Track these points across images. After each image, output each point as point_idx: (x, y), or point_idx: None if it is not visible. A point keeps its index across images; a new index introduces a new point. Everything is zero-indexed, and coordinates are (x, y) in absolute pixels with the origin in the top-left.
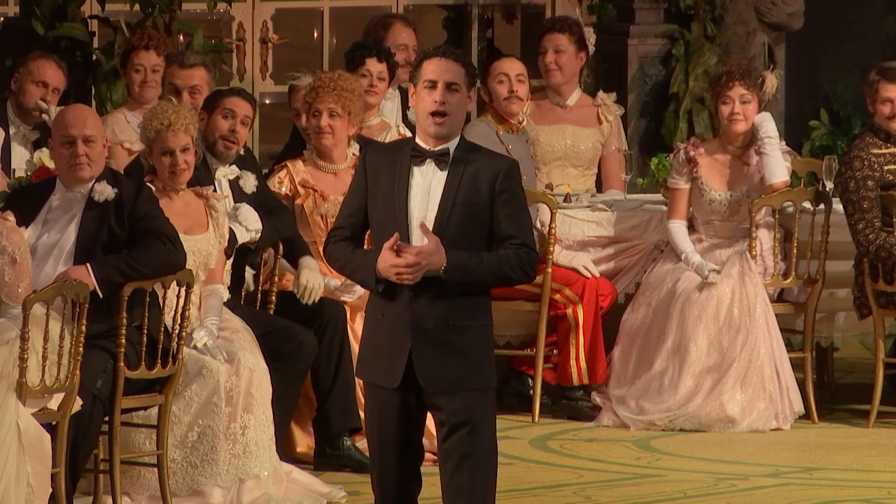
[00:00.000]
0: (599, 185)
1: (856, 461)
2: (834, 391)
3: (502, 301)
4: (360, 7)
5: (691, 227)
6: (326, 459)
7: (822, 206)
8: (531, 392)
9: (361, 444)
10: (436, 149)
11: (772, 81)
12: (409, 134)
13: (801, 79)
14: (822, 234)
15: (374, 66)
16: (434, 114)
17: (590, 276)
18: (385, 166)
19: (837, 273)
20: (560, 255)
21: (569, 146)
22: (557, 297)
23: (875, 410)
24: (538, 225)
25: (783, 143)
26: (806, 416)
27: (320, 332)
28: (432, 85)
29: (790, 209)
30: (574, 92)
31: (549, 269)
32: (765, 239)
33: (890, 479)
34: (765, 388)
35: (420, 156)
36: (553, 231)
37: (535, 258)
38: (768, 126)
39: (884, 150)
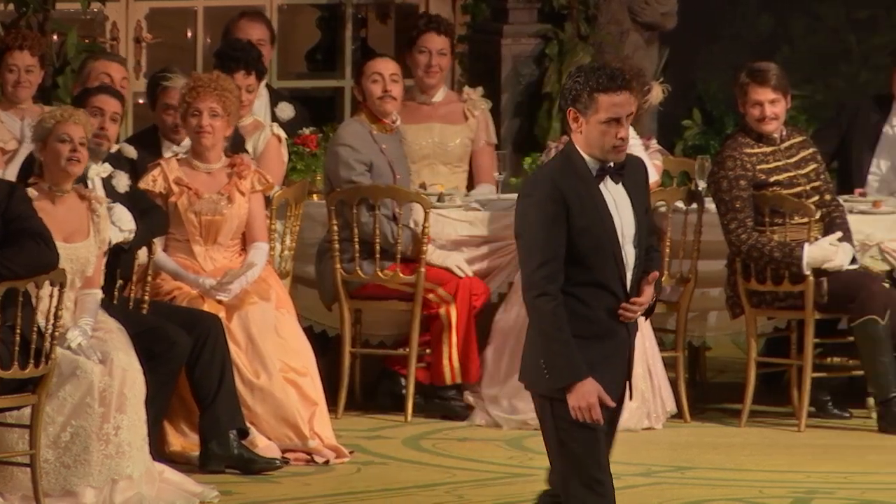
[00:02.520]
0: (471, 181)
1: (728, 460)
2: (706, 390)
3: (375, 301)
4: (233, 6)
5: None
6: (212, 459)
7: (694, 206)
8: (404, 391)
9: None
10: (614, 165)
11: (657, 92)
12: (282, 134)
13: (674, 78)
14: (694, 233)
15: (242, 81)
16: (617, 147)
17: (463, 275)
18: (577, 190)
19: (710, 272)
20: (433, 254)
21: (437, 143)
22: (431, 296)
23: (747, 409)
24: (411, 224)
25: (655, 142)
26: (678, 415)
27: (200, 342)
28: (616, 122)
29: (663, 208)
30: (440, 89)
31: (423, 269)
32: None
33: (762, 479)
34: (637, 388)
35: (603, 173)
36: (426, 231)
37: None
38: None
39: (756, 150)
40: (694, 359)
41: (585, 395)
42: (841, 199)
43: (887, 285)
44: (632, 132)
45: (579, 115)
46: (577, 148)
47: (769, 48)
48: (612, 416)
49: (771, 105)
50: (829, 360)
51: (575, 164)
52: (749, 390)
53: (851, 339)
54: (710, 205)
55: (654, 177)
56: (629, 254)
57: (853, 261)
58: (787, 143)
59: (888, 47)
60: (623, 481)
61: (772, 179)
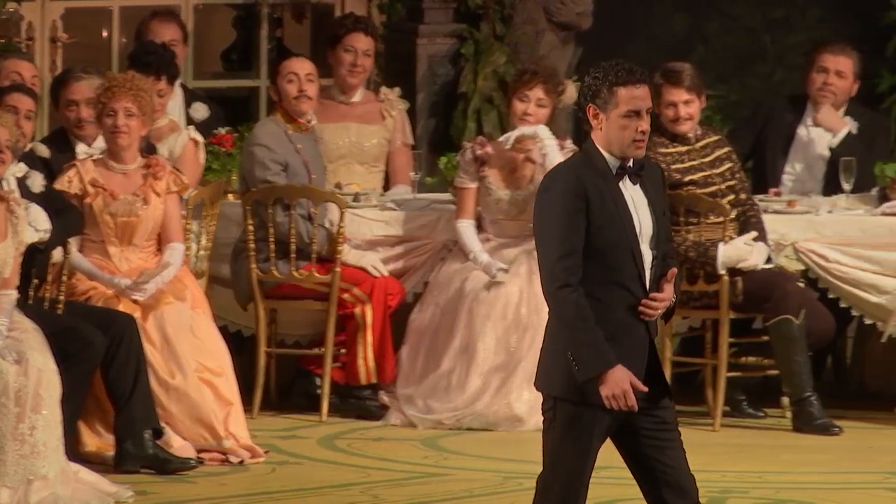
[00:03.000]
0: (388, 182)
1: None
2: None
3: (291, 300)
4: (149, 6)
5: (479, 227)
6: (127, 459)
7: None
8: (319, 391)
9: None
10: (634, 165)
11: (571, 92)
12: (199, 137)
13: None
14: None
15: (153, 86)
16: (638, 140)
17: (378, 275)
18: (597, 187)
19: None
20: (349, 254)
21: (353, 143)
22: (346, 296)
23: None
24: (327, 224)
25: (570, 142)
26: None
27: (116, 342)
28: (636, 115)
29: None
30: (358, 89)
31: (338, 269)
32: None
33: None
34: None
35: (623, 172)
36: (342, 230)
37: None
38: (542, 132)
39: (671, 150)
40: None
41: (619, 382)
42: (756, 198)
43: (802, 285)
44: (547, 132)
45: (599, 111)
46: (597, 146)
47: (684, 48)
48: (659, 424)
49: (685, 105)
50: (743, 359)
51: (595, 162)
52: None
53: (766, 338)
54: None
55: None
56: (646, 254)
57: (768, 260)
58: (701, 143)
59: (803, 47)
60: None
61: (686, 179)
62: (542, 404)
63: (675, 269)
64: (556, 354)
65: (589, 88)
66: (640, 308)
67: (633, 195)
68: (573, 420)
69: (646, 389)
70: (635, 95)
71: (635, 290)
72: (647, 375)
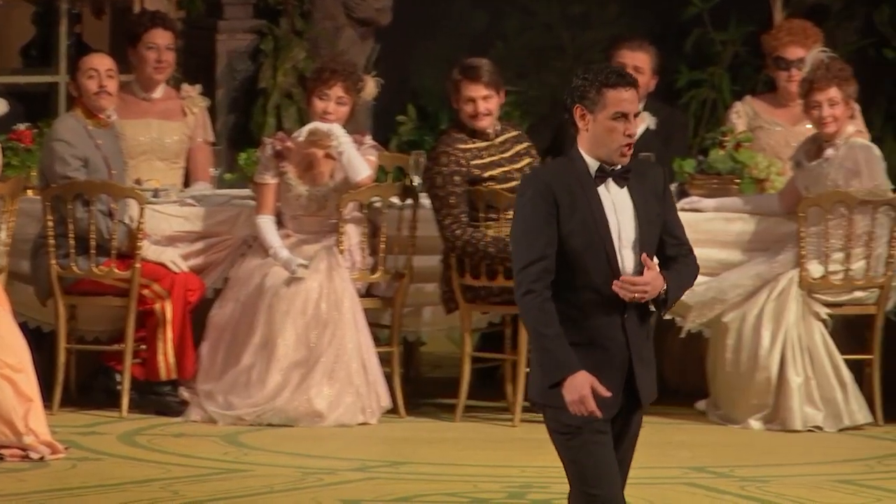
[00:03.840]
0: (188, 178)
1: (443, 455)
2: (421, 385)
3: (90, 296)
4: None
5: (280, 222)
6: None
7: (409, 201)
8: (119, 387)
9: None
10: (618, 167)
11: (371, 87)
12: None
13: (388, 74)
14: (409, 229)
15: None
16: (625, 145)
17: (178, 270)
18: (570, 190)
19: (425, 268)
20: (149, 250)
21: (154, 139)
22: (146, 292)
23: (462, 404)
24: (126, 220)
25: (369, 137)
26: (393, 410)
27: None
28: (623, 117)
29: (378, 204)
30: (160, 85)
31: (138, 265)
32: (353, 234)
33: (476, 473)
34: (352, 383)
35: (603, 176)
36: (142, 226)
37: (696, 261)
38: (336, 130)
39: (470, 146)
40: (409, 354)
41: (578, 388)
42: None
43: None
44: (342, 130)
45: (586, 113)
46: (581, 149)
47: (483, 44)
48: (621, 428)
49: (484, 101)
50: None
51: (575, 165)
52: (464, 385)
53: None
54: (425, 200)
55: (367, 172)
56: (627, 259)
57: None
58: (501, 139)
59: (601, 43)
60: (338, 476)
61: (486, 175)
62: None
63: (646, 256)
64: (534, 362)
65: (577, 89)
66: (613, 286)
67: (616, 199)
68: (561, 427)
69: (607, 394)
70: (623, 98)
71: (612, 295)
72: (628, 382)
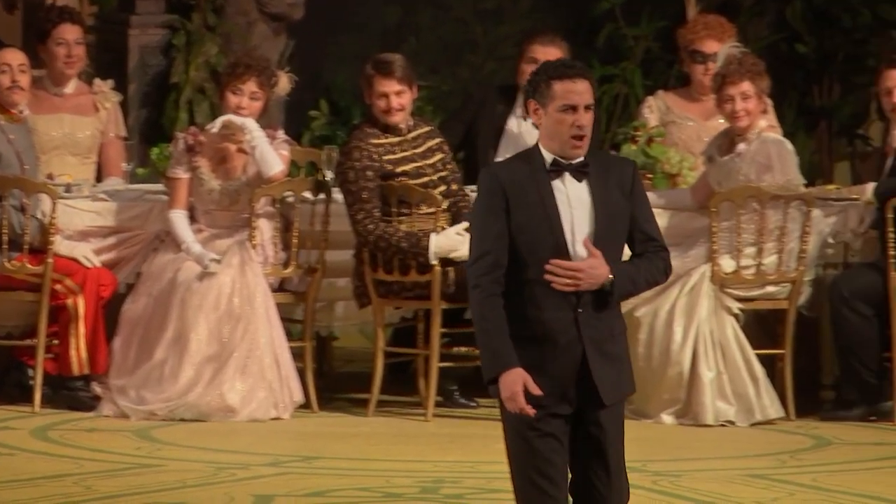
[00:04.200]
0: (101, 173)
1: (355, 450)
2: (334, 380)
3: (2, 292)
4: None
5: (192, 217)
6: None
7: (322, 196)
8: (32, 382)
9: None
10: (574, 162)
11: (284, 82)
12: None
13: (301, 69)
14: (322, 223)
15: None
16: (576, 137)
17: (91, 265)
18: (523, 184)
19: (337, 263)
20: (61, 245)
21: (67, 134)
22: (58, 287)
23: (375, 399)
24: (39, 215)
25: (282, 132)
26: (306, 405)
27: None
28: (572, 109)
29: (290, 199)
30: (72, 80)
31: (50, 260)
32: (265, 228)
33: (388, 468)
34: (265, 378)
35: (559, 170)
36: (54, 221)
37: (669, 259)
38: (250, 125)
39: (382, 141)
40: (321, 349)
41: (509, 385)
42: (467, 189)
43: None
44: (255, 125)
45: (539, 107)
46: (540, 144)
47: (396, 39)
48: (592, 427)
49: (396, 96)
50: (455, 349)
51: (533, 159)
52: (376, 380)
53: None
54: (338, 195)
55: (280, 167)
56: (581, 253)
57: None
58: (413, 134)
59: (513, 38)
60: (251, 471)
61: (398, 170)
62: None
63: (587, 241)
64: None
65: (530, 84)
66: (546, 277)
67: (572, 193)
68: (508, 419)
69: (538, 392)
70: (570, 90)
71: (564, 290)
72: (581, 379)
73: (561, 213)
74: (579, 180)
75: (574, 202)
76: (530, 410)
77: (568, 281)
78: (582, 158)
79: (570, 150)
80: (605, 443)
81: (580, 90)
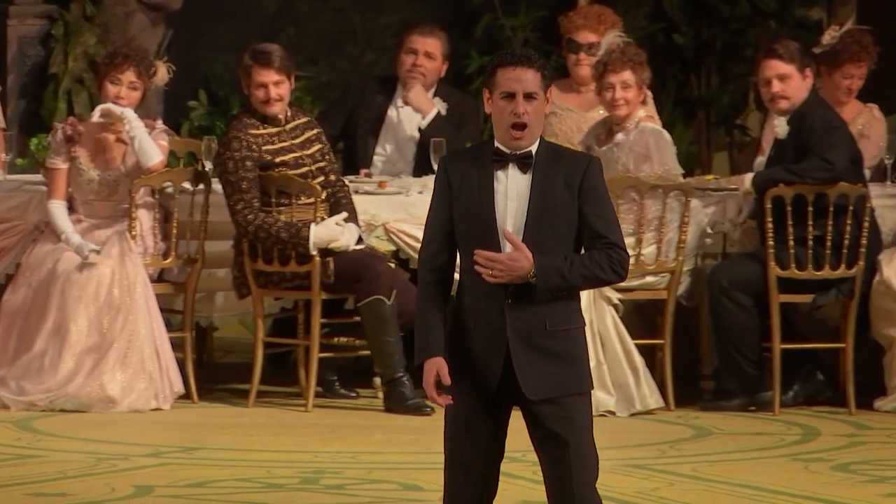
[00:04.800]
0: None
1: (236, 440)
2: (214, 371)
3: None
4: None
5: (71, 208)
6: None
7: (201, 187)
8: None
9: None
10: (518, 152)
11: (163, 72)
12: None
13: (180, 59)
14: (201, 214)
15: None
16: (514, 126)
17: None
18: (466, 172)
19: (217, 253)
20: None
21: None
22: None
23: (255, 390)
24: None
25: (161, 122)
26: (186, 395)
27: None
28: (510, 96)
29: (170, 189)
30: None
31: None
32: (145, 219)
33: (269, 458)
34: (145, 369)
35: (502, 159)
36: None
37: (626, 257)
38: (129, 114)
39: (261, 131)
40: (201, 339)
41: (425, 374)
42: (347, 179)
43: (393, 265)
44: (134, 115)
45: (490, 96)
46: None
47: (274, 29)
48: (536, 421)
49: (275, 87)
50: (336, 340)
51: (484, 149)
52: (256, 371)
53: (358, 319)
54: (217, 186)
55: (159, 157)
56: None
57: (359, 241)
58: (292, 124)
59: (392, 28)
60: (131, 462)
61: (277, 160)
62: None
63: (507, 229)
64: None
65: (485, 73)
66: (475, 268)
67: (512, 185)
68: (447, 408)
69: (448, 382)
70: (510, 76)
71: (489, 281)
72: (507, 371)
73: (497, 204)
74: (524, 172)
75: (511, 193)
76: (441, 401)
77: (490, 272)
78: (530, 149)
79: (510, 139)
80: (556, 441)
81: (521, 77)
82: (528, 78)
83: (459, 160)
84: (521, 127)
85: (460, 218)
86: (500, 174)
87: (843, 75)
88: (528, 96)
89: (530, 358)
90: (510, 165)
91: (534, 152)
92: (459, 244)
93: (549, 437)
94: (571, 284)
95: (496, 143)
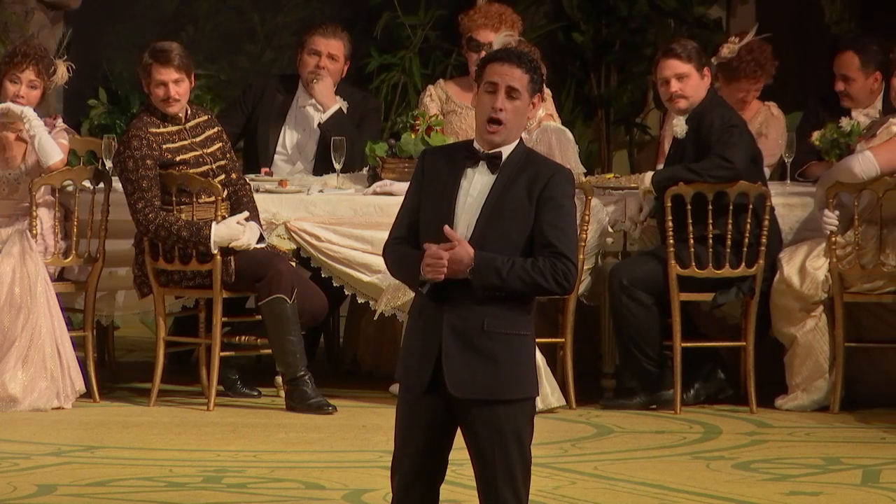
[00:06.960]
0: None
1: (137, 439)
2: (115, 370)
3: None
4: None
5: None
6: None
7: (101, 185)
8: None
9: None
10: (489, 151)
11: (62, 71)
12: None
13: (79, 58)
14: (102, 212)
15: None
16: (490, 120)
17: None
18: (441, 167)
19: (118, 252)
20: None
21: None
22: None
23: (156, 388)
24: None
25: (61, 121)
26: (88, 394)
27: None
28: (493, 88)
29: (70, 188)
30: None
31: None
32: (45, 218)
33: (172, 457)
34: (46, 367)
35: (473, 157)
36: None
37: (572, 269)
38: (28, 113)
39: (162, 130)
40: (103, 338)
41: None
42: (248, 177)
43: (294, 264)
44: (33, 113)
45: (477, 90)
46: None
47: (173, 27)
48: (465, 420)
49: (174, 85)
50: (237, 338)
51: (464, 146)
52: (158, 369)
53: (259, 317)
54: (118, 184)
55: (59, 155)
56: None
57: (260, 239)
58: (192, 123)
59: (292, 27)
60: (33, 461)
61: (178, 159)
62: None
63: (448, 228)
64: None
65: (478, 69)
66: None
67: (475, 186)
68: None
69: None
70: (496, 70)
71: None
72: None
73: (457, 201)
74: (493, 172)
75: (473, 191)
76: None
77: (430, 268)
78: (501, 150)
79: (486, 134)
80: (481, 446)
81: (507, 73)
82: (513, 74)
83: (438, 155)
84: (497, 122)
85: (423, 210)
86: (469, 172)
87: (738, 89)
88: (511, 93)
89: (460, 355)
90: (480, 164)
91: (506, 154)
92: (420, 235)
93: (477, 440)
94: (508, 286)
95: (474, 142)
